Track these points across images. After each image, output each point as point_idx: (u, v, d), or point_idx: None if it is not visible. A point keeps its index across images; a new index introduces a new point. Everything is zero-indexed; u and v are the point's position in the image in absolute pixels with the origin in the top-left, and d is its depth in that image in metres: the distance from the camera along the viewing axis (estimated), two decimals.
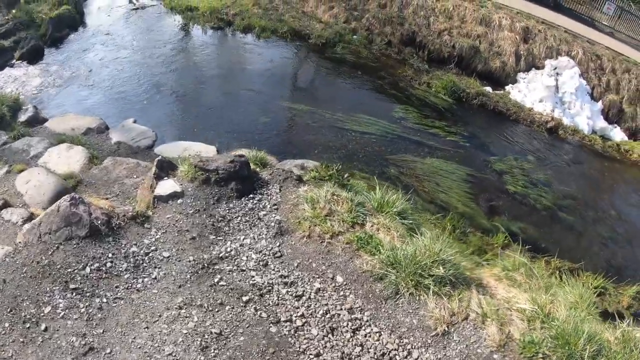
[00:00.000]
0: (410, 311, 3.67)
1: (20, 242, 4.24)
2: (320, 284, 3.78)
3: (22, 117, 8.90)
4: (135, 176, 5.98)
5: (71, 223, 4.19)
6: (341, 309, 3.61)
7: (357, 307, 3.64)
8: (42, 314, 3.67)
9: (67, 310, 3.66)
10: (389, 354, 3.35)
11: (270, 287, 3.71)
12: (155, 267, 3.84)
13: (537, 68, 12.09)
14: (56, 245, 4.11)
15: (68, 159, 7.02)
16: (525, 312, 3.81)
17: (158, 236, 4.17)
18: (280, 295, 3.66)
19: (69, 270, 3.94)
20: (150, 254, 3.98)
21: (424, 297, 3.73)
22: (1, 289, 3.88)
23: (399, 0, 12.48)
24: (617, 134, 11.96)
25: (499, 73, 11.86)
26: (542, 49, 12.11)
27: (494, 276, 4.85)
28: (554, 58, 12.20)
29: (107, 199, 5.35)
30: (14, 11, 16.07)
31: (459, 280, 3.98)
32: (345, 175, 6.33)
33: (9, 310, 3.70)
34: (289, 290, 3.70)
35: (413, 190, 7.22)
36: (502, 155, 9.60)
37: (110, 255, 4.00)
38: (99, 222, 4.26)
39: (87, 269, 3.95)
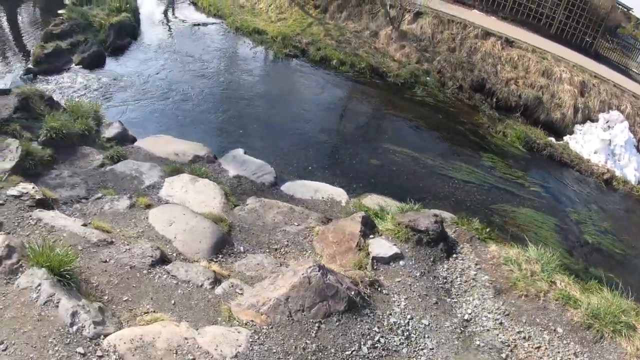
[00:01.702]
0: (612, 350, 4.72)
1: (256, 322, 3.88)
2: (547, 335, 4.81)
3: (107, 133, 8.43)
4: (296, 223, 6.13)
5: (327, 297, 4.08)
6: (569, 354, 4.66)
7: (578, 351, 4.70)
8: None
9: None
10: None
11: (515, 343, 4.70)
12: (425, 337, 4.44)
13: (592, 121, 13.73)
14: (316, 324, 3.96)
15: (200, 195, 6.55)
16: None
17: (404, 303, 4.75)
18: (525, 349, 4.65)
19: (347, 353, 3.87)
20: (411, 323, 4.53)
21: (618, 338, 4.83)
22: None
23: (467, 46, 13.88)
24: None
25: (559, 124, 13.38)
26: (597, 103, 13.78)
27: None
28: (606, 112, 13.90)
29: (275, 249, 5.61)
30: (63, 11, 16.41)
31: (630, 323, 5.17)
32: (487, 230, 7.46)
33: None
34: (529, 343, 4.69)
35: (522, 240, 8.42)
36: (574, 205, 10.98)
37: (376, 329, 4.23)
38: (352, 292, 4.27)
39: (364, 349, 3.94)
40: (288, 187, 7.70)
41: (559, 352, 4.67)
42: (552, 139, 12.86)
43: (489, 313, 4.97)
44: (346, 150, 9.47)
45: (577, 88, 13.78)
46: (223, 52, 13.87)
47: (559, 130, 13.42)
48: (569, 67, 14.11)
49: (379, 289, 4.82)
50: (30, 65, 13.50)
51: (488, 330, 4.79)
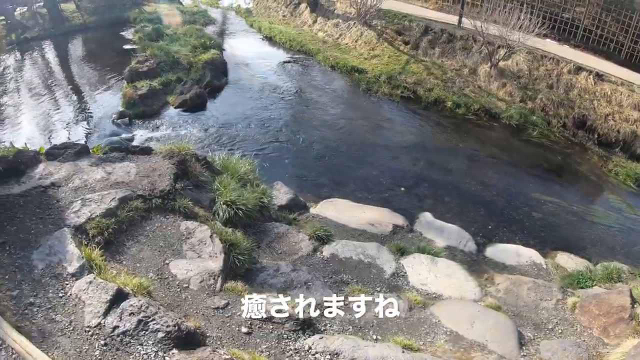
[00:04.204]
0: None
1: None
2: None
3: (278, 200, 8.43)
4: (548, 298, 6.93)
5: None
6: None
7: None
8: None
9: None
10: None
11: None
12: None
13: None
14: None
15: (451, 279, 6.87)
16: None
17: None
18: None
19: None
20: None
21: None
22: None
23: (564, 83, 15.77)
24: None
25: None
26: None
27: None
28: None
29: (551, 329, 6.54)
30: (132, 47, 17.37)
31: None
32: None
33: None
34: None
35: None
36: None
37: None
38: None
39: None
40: (491, 253, 8.56)
41: None
42: None
43: None
44: (509, 204, 11.01)
45: None
46: (330, 93, 15.16)
47: None
48: None
49: None
50: (121, 108, 14.24)
51: None
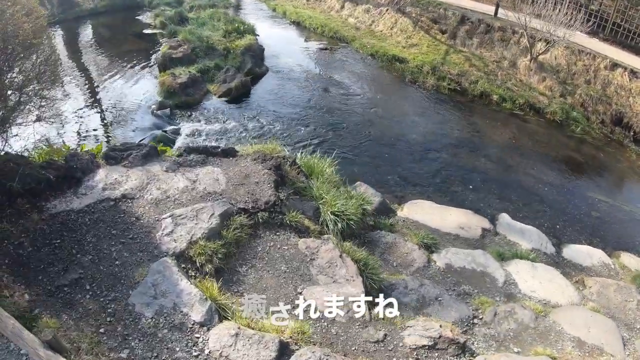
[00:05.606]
0: None
1: None
2: None
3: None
4: (630, 299, 7.30)
5: None
6: None
7: None
8: None
9: None
10: None
11: None
12: None
13: None
14: None
15: (552, 284, 7.18)
16: None
17: None
18: None
19: None
20: None
21: None
22: None
23: (601, 79, 16.22)
24: None
25: None
26: None
27: None
28: None
29: (639, 328, 7.00)
30: (153, 31, 16.84)
31: None
32: None
33: None
34: None
35: None
36: None
37: None
38: None
39: None
40: (568, 254, 8.83)
41: None
42: None
43: None
44: (569, 203, 11.23)
45: None
46: (376, 83, 15.05)
47: None
48: None
49: None
50: (159, 98, 13.61)
51: None
